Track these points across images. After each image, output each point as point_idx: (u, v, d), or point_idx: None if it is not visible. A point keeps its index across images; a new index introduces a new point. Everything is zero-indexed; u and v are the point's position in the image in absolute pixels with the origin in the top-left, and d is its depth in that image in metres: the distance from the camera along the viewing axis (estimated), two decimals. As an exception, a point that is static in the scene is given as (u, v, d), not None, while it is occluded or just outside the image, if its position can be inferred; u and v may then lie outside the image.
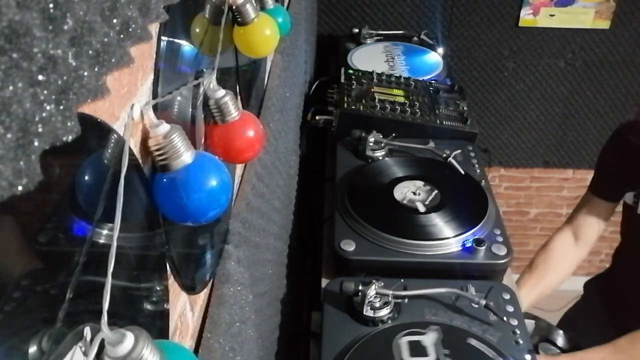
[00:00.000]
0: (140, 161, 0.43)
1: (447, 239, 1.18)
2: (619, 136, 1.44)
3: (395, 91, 1.72)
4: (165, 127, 0.43)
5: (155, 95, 0.47)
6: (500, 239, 1.20)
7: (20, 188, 0.23)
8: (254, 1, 0.67)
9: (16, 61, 0.23)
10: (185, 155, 0.43)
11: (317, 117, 1.67)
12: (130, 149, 0.38)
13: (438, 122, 1.60)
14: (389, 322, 1.03)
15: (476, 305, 1.05)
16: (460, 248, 1.17)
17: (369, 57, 2.03)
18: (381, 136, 1.48)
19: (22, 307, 0.28)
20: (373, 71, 1.81)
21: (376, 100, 1.63)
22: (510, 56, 2.43)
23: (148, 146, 0.43)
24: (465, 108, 1.67)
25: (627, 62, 2.43)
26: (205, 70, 0.59)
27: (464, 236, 1.18)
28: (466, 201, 1.30)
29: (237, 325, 0.67)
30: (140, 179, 0.43)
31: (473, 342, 0.97)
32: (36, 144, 0.24)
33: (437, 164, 1.44)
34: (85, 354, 0.32)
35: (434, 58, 2.07)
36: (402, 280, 1.07)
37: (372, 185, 1.36)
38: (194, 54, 0.57)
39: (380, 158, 1.47)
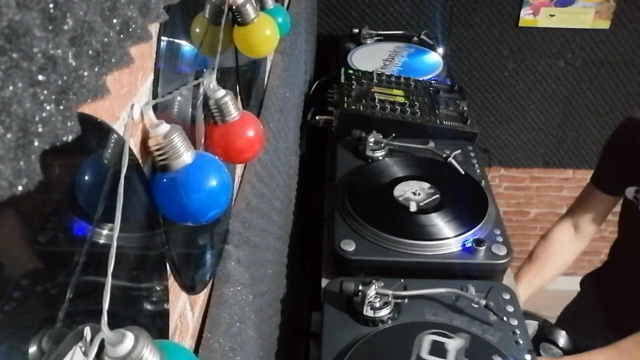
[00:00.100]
0: (140, 161, 0.43)
1: (447, 239, 1.18)
2: (623, 130, 1.43)
3: (395, 91, 1.72)
4: (165, 127, 0.43)
5: (155, 95, 0.47)
6: (500, 239, 1.20)
7: (20, 188, 0.23)
8: (254, 1, 0.67)
9: (16, 61, 0.23)
10: (185, 155, 0.43)
11: (317, 117, 1.67)
12: (130, 149, 0.38)
13: (438, 122, 1.60)
14: (389, 322, 1.03)
15: (476, 305, 1.05)
16: (460, 248, 1.17)
17: (369, 57, 2.03)
18: (381, 136, 1.48)
19: (22, 307, 0.28)
20: (373, 71, 1.81)
21: (376, 100, 1.63)
22: (510, 56, 2.43)
23: (148, 146, 0.43)
24: (465, 108, 1.67)
25: (627, 62, 2.43)
26: (205, 70, 0.59)
27: (464, 236, 1.18)
28: (466, 201, 1.30)
29: (237, 325, 0.67)
30: (140, 179, 0.43)
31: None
32: (36, 144, 0.24)
33: (437, 164, 1.44)
34: (85, 354, 0.32)
35: (434, 58, 2.07)
36: (402, 280, 1.07)
37: (372, 185, 1.36)
38: (194, 54, 0.57)
39: (380, 158, 1.47)
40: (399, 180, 1.36)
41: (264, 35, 0.69)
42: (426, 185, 1.34)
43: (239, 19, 0.67)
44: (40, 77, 0.24)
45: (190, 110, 0.55)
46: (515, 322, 1.04)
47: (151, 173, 0.45)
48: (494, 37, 2.38)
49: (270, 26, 0.70)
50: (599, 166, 1.51)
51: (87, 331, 0.33)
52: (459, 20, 2.34)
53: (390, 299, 1.04)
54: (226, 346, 0.61)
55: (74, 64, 0.27)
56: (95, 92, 0.29)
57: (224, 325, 0.62)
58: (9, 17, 0.22)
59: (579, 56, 2.43)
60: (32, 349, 0.29)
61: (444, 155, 1.46)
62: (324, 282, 1.17)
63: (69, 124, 0.26)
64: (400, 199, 1.30)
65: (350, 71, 1.81)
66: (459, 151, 1.47)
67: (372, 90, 1.69)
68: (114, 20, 0.32)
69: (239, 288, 0.68)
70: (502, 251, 1.17)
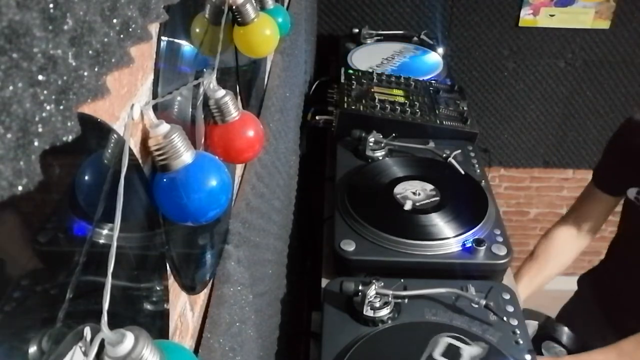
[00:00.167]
0: (140, 161, 0.43)
1: (447, 239, 1.18)
2: (624, 131, 1.43)
3: (395, 91, 1.72)
4: (165, 127, 0.43)
5: (155, 95, 0.47)
6: (500, 239, 1.20)
7: (20, 188, 0.23)
8: (254, 1, 0.67)
9: (16, 61, 0.23)
10: (185, 155, 0.43)
11: (317, 117, 1.67)
12: (130, 149, 0.38)
13: (438, 122, 1.60)
14: (389, 322, 1.03)
15: (476, 305, 1.05)
16: (460, 248, 1.17)
17: (369, 57, 2.03)
18: (381, 136, 1.48)
19: (22, 307, 0.28)
20: (373, 71, 1.81)
21: (376, 100, 1.63)
22: (510, 56, 2.43)
23: (148, 146, 0.43)
24: (465, 108, 1.67)
25: (627, 62, 2.43)
26: (205, 70, 0.59)
27: (464, 236, 1.18)
28: (466, 201, 1.30)
29: (237, 325, 0.67)
30: (140, 179, 0.43)
31: None
32: (36, 144, 0.24)
33: (437, 164, 1.44)
34: (85, 354, 0.32)
35: (434, 58, 2.07)
36: (402, 280, 1.07)
37: (372, 185, 1.36)
38: (194, 54, 0.57)
39: (380, 158, 1.47)
40: (399, 180, 1.36)
41: (264, 35, 0.69)
42: (426, 185, 1.34)
43: (239, 19, 0.67)
44: (40, 77, 0.24)
45: (190, 110, 0.55)
46: (515, 322, 1.04)
47: (151, 173, 0.45)
48: (494, 37, 2.38)
49: (270, 26, 0.70)
50: (600, 166, 1.51)
51: (87, 331, 0.33)
52: (459, 20, 2.34)
53: (390, 299, 1.04)
54: (226, 346, 0.61)
55: (74, 64, 0.27)
56: (95, 92, 0.29)
57: (224, 325, 0.62)
58: (9, 17, 0.22)
59: (579, 56, 2.43)
60: (32, 349, 0.29)
61: (444, 155, 1.45)
62: (324, 282, 1.17)
63: (69, 124, 0.26)
64: (399, 197, 1.30)
65: (350, 71, 1.81)
66: (459, 151, 1.47)
67: (372, 90, 1.69)
68: (114, 20, 0.32)
69: (239, 288, 0.68)
70: (502, 251, 1.17)
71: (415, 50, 2.11)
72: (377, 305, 1.03)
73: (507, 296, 1.09)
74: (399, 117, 1.58)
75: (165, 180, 0.43)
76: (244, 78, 0.83)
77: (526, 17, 2.33)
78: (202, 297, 0.64)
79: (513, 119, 2.59)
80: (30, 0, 0.23)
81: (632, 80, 2.48)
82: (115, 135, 0.38)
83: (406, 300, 1.06)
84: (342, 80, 1.72)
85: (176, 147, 0.42)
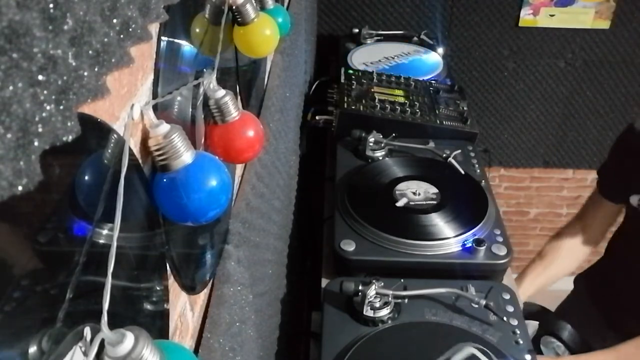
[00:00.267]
0: (140, 161, 0.43)
1: (447, 239, 1.18)
2: (625, 138, 1.44)
3: (395, 91, 1.72)
4: (165, 127, 0.43)
5: (155, 95, 0.47)
6: (500, 239, 1.20)
7: (20, 188, 0.23)
8: (254, 1, 0.67)
9: (16, 61, 0.23)
10: (185, 155, 0.43)
11: (317, 117, 1.67)
12: (130, 149, 0.38)
13: (438, 122, 1.60)
14: (389, 322, 1.03)
15: (476, 305, 1.05)
16: (460, 248, 1.17)
17: (369, 57, 2.03)
18: (381, 136, 1.48)
19: (22, 307, 0.28)
20: (373, 71, 1.81)
21: (376, 100, 1.63)
22: (510, 56, 2.43)
23: (148, 146, 0.43)
24: (465, 108, 1.67)
25: (627, 62, 2.43)
26: (205, 70, 0.59)
27: (464, 236, 1.18)
28: (466, 201, 1.30)
29: (237, 325, 0.67)
30: (140, 179, 0.43)
31: None
32: (36, 144, 0.24)
33: (437, 164, 1.45)
34: (85, 354, 0.32)
35: (434, 58, 2.07)
36: (402, 280, 1.07)
37: (372, 185, 1.36)
38: (194, 54, 0.57)
39: (380, 158, 1.47)
40: (399, 180, 1.36)
41: (264, 35, 0.69)
42: (426, 185, 1.34)
43: (239, 19, 0.67)
44: (40, 77, 0.24)
45: (190, 110, 0.55)
46: (515, 322, 1.04)
47: (151, 173, 0.45)
48: (494, 37, 2.38)
49: (270, 26, 0.70)
50: (604, 173, 1.51)
51: (87, 331, 0.33)
52: (459, 20, 2.34)
53: (390, 299, 1.04)
54: (226, 346, 0.61)
55: (74, 64, 0.27)
56: (95, 92, 0.29)
57: (224, 325, 0.62)
58: (9, 17, 0.22)
59: (579, 56, 2.43)
60: (32, 349, 0.29)
61: (444, 155, 1.46)
62: (324, 282, 1.17)
63: (69, 124, 0.26)
64: (399, 197, 1.30)
65: (350, 71, 1.81)
66: (459, 151, 1.47)
67: (372, 90, 1.69)
68: (114, 20, 0.32)
69: (239, 288, 0.68)
70: (502, 251, 1.17)
71: (415, 51, 2.11)
72: (377, 305, 1.03)
73: (507, 296, 1.09)
74: (399, 117, 1.58)
75: (165, 180, 0.43)
76: (244, 78, 0.83)
77: (526, 17, 2.33)
78: (202, 297, 0.64)
79: (513, 119, 2.59)
80: (30, 0, 0.23)
81: (632, 80, 2.48)
82: (115, 135, 0.38)
83: (406, 300, 1.06)
84: (342, 80, 1.72)
85: (176, 147, 0.42)
